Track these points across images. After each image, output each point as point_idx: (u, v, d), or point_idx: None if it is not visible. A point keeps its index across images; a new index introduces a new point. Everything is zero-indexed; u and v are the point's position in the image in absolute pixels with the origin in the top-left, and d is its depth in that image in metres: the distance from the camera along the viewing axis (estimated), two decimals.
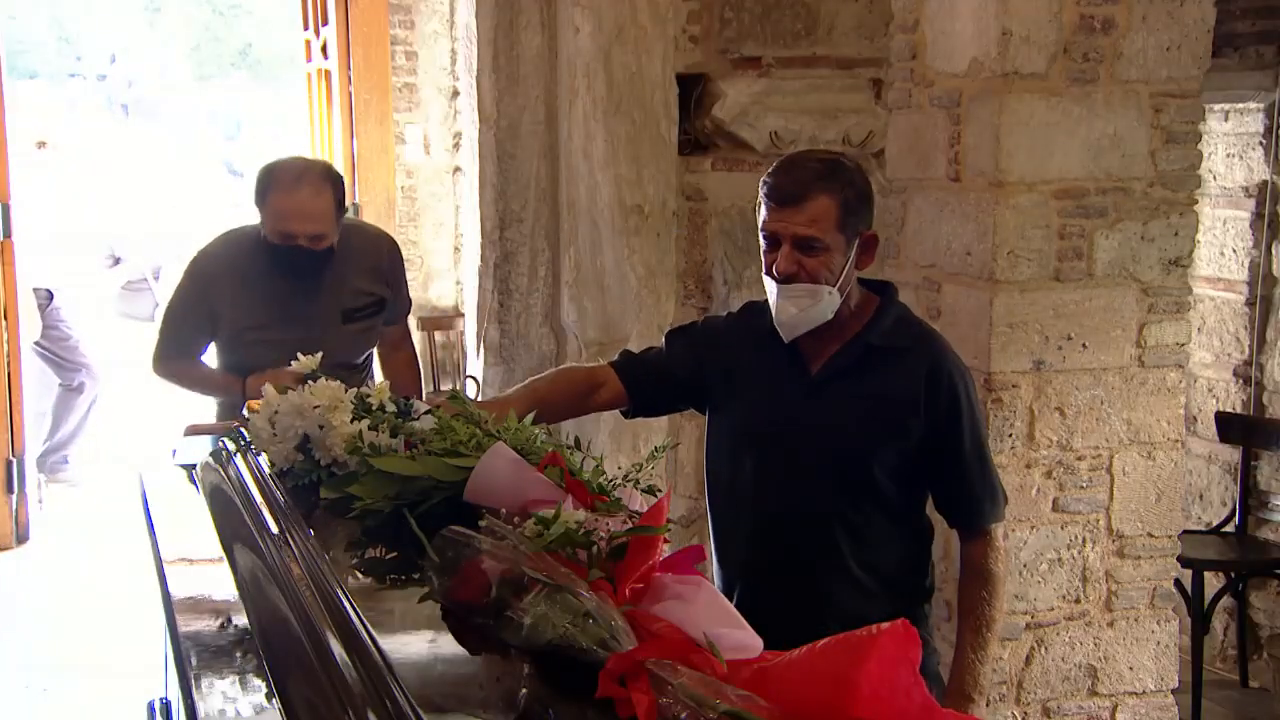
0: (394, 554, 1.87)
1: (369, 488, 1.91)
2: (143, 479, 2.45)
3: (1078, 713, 3.23)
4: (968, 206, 3.14)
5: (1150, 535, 3.22)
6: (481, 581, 1.47)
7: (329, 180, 3.19)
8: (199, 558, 2.03)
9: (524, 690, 1.40)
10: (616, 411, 2.52)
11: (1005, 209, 3.04)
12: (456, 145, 6.68)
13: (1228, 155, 4.47)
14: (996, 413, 3.06)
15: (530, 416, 2.08)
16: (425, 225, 6.81)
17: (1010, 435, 3.09)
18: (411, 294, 5.83)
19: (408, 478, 1.88)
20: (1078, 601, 3.20)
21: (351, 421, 2.06)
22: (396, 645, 1.54)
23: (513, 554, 1.48)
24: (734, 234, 4.51)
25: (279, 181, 3.15)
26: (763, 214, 2.22)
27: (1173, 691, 3.30)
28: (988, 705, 3.07)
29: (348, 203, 6.09)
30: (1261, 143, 4.37)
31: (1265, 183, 4.37)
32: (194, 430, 2.73)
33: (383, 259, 3.44)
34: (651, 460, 1.90)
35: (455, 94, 6.66)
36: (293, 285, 3.17)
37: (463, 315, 6.51)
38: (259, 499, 2.06)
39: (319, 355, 2.39)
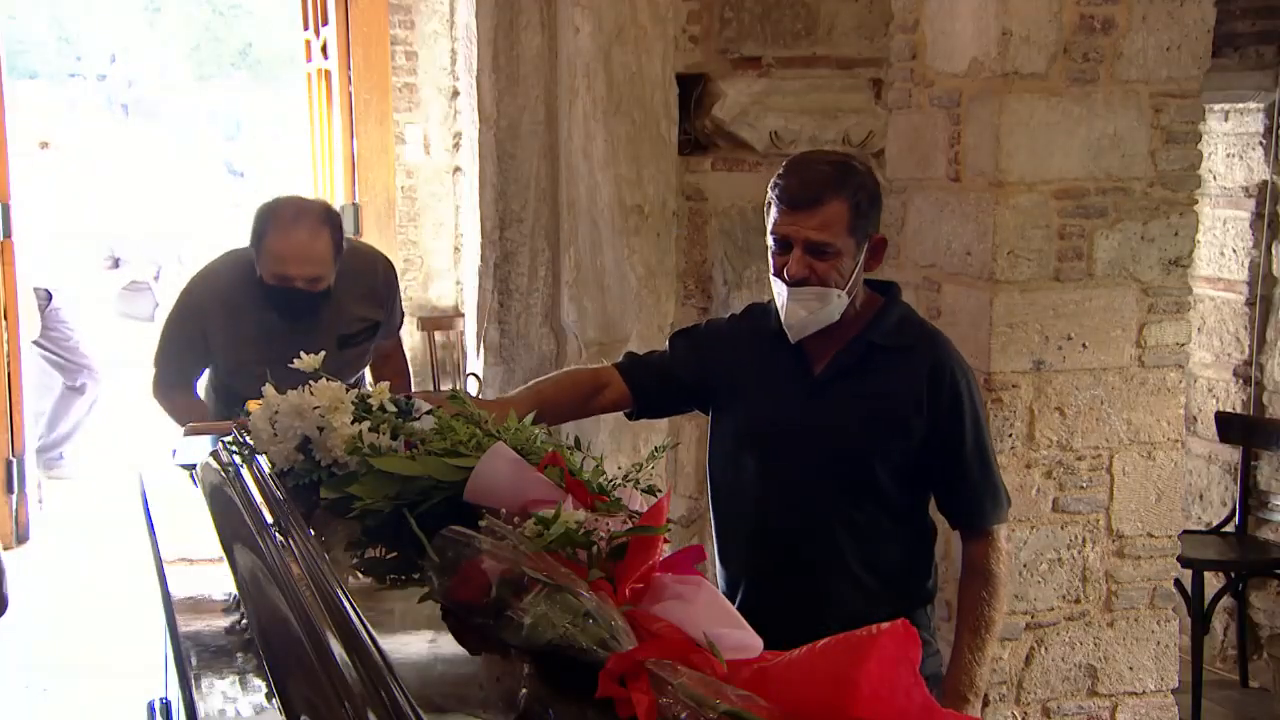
0: (394, 554, 1.87)
1: (369, 488, 1.90)
2: (143, 479, 2.45)
3: (1078, 713, 3.23)
4: (968, 206, 3.14)
5: (1150, 535, 3.22)
6: (481, 581, 1.47)
7: (327, 222, 3.12)
8: (199, 558, 2.03)
9: (524, 690, 1.40)
10: (617, 412, 2.52)
11: (1005, 209, 3.04)
12: (456, 145, 6.68)
13: (1228, 155, 4.47)
14: (996, 413, 3.06)
15: (530, 416, 2.08)
16: (425, 225, 6.81)
17: (1010, 435, 3.09)
18: (411, 294, 5.79)
19: (408, 478, 1.88)
20: (1078, 601, 3.20)
21: (351, 423, 2.06)
22: (396, 645, 1.54)
23: (513, 554, 1.48)
24: (734, 234, 4.51)
25: (276, 223, 3.07)
26: (773, 216, 2.22)
27: (1173, 691, 3.30)
28: (987, 705, 3.08)
29: (348, 202, 6.13)
30: (1261, 143, 4.37)
31: (1265, 183, 4.37)
32: (194, 430, 2.72)
33: (378, 283, 3.39)
34: (651, 460, 1.90)
35: (455, 94, 6.66)
36: (288, 320, 3.11)
37: (463, 315, 6.51)
38: (259, 499, 2.06)
39: (321, 354, 2.38)
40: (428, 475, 1.86)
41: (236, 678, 1.62)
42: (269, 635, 1.63)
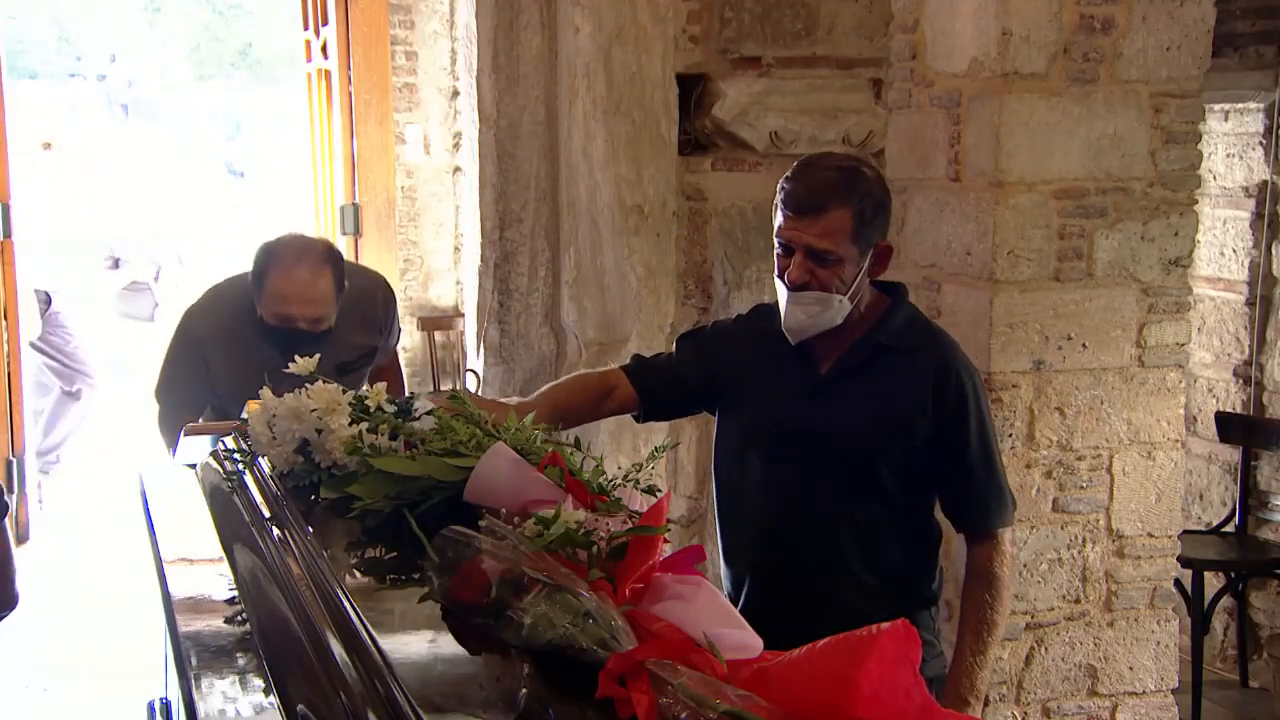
0: (394, 554, 1.87)
1: (369, 488, 1.90)
2: (143, 479, 2.45)
3: (1078, 713, 3.23)
4: (968, 206, 3.14)
5: (1150, 535, 3.22)
6: (481, 581, 1.47)
7: (329, 261, 3.07)
8: (199, 558, 2.03)
9: (524, 690, 1.40)
10: (625, 414, 2.52)
11: (1005, 209, 3.04)
12: (456, 145, 6.67)
13: (1228, 155, 4.47)
14: (996, 413, 3.06)
15: (530, 417, 2.08)
16: (425, 225, 6.80)
17: (1010, 435, 3.09)
18: (411, 294, 5.78)
19: (408, 478, 1.88)
20: (1078, 601, 3.20)
21: (349, 424, 2.06)
22: (396, 645, 1.54)
23: (513, 554, 1.48)
24: (734, 234, 4.51)
25: (278, 263, 3.01)
26: (778, 219, 2.22)
27: (1173, 691, 3.30)
28: (987, 705, 3.08)
29: (348, 202, 6.13)
30: (1261, 143, 4.37)
31: (1265, 183, 4.37)
32: (194, 430, 2.72)
33: (376, 312, 3.35)
34: (651, 460, 1.90)
35: (455, 94, 6.66)
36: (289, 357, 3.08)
37: (463, 315, 6.50)
38: (259, 499, 2.06)
39: (317, 357, 2.37)
40: (428, 475, 1.86)
41: (236, 678, 1.62)
42: (269, 635, 1.63)
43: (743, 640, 1.44)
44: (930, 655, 2.34)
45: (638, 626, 1.41)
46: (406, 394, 3.63)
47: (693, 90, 4.50)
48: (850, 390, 2.27)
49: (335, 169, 6.23)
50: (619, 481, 1.83)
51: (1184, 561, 3.51)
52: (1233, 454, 4.44)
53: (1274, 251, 4.38)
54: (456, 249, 6.81)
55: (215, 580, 1.89)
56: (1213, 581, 4.24)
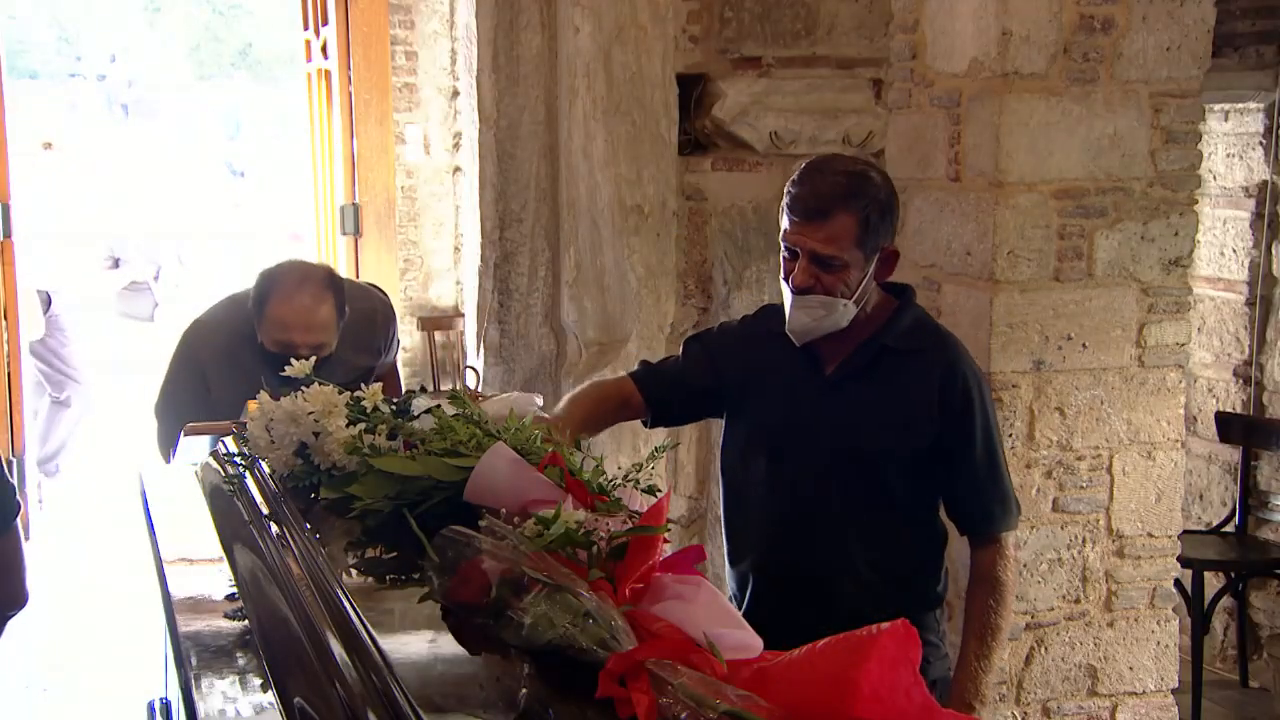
0: (394, 554, 1.87)
1: (369, 488, 1.90)
2: (143, 479, 2.45)
3: (1078, 713, 3.23)
4: (968, 206, 3.14)
5: (1150, 535, 3.22)
6: (481, 581, 1.47)
7: (331, 288, 3.05)
8: (199, 558, 2.03)
9: (524, 690, 1.40)
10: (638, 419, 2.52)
11: (1005, 209, 3.04)
12: (456, 145, 6.68)
13: (1228, 155, 4.48)
14: (996, 413, 3.05)
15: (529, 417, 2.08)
16: (425, 225, 6.81)
17: (1010, 435, 3.09)
18: (411, 294, 5.76)
19: (408, 478, 1.88)
20: (1078, 601, 3.20)
21: (347, 425, 2.06)
22: (396, 645, 1.54)
23: (513, 554, 1.48)
24: (734, 234, 4.51)
25: (279, 290, 2.99)
26: (784, 223, 2.22)
27: (1173, 691, 3.30)
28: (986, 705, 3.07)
29: (348, 202, 6.13)
30: (1261, 143, 4.37)
31: (1265, 183, 4.37)
32: (194, 430, 2.72)
33: (377, 336, 3.34)
34: (651, 460, 1.90)
35: (455, 94, 6.66)
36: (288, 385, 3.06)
37: (463, 315, 6.51)
38: (259, 499, 2.06)
39: (313, 359, 2.36)
40: (428, 475, 1.86)
41: (236, 678, 1.62)
42: (269, 635, 1.63)
43: (743, 640, 1.44)
44: (935, 657, 2.34)
45: (638, 626, 1.41)
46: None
47: (693, 90, 4.50)
48: (856, 391, 2.27)
49: (335, 169, 6.23)
50: (619, 481, 1.83)
51: (1184, 561, 3.51)
52: (1233, 454, 4.44)
53: (1274, 251, 4.38)
54: (456, 249, 6.81)
55: (215, 580, 1.89)
56: (1213, 581, 4.24)
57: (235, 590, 1.81)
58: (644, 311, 4.45)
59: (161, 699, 2.10)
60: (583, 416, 2.33)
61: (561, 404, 2.43)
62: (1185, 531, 3.48)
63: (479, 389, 4.71)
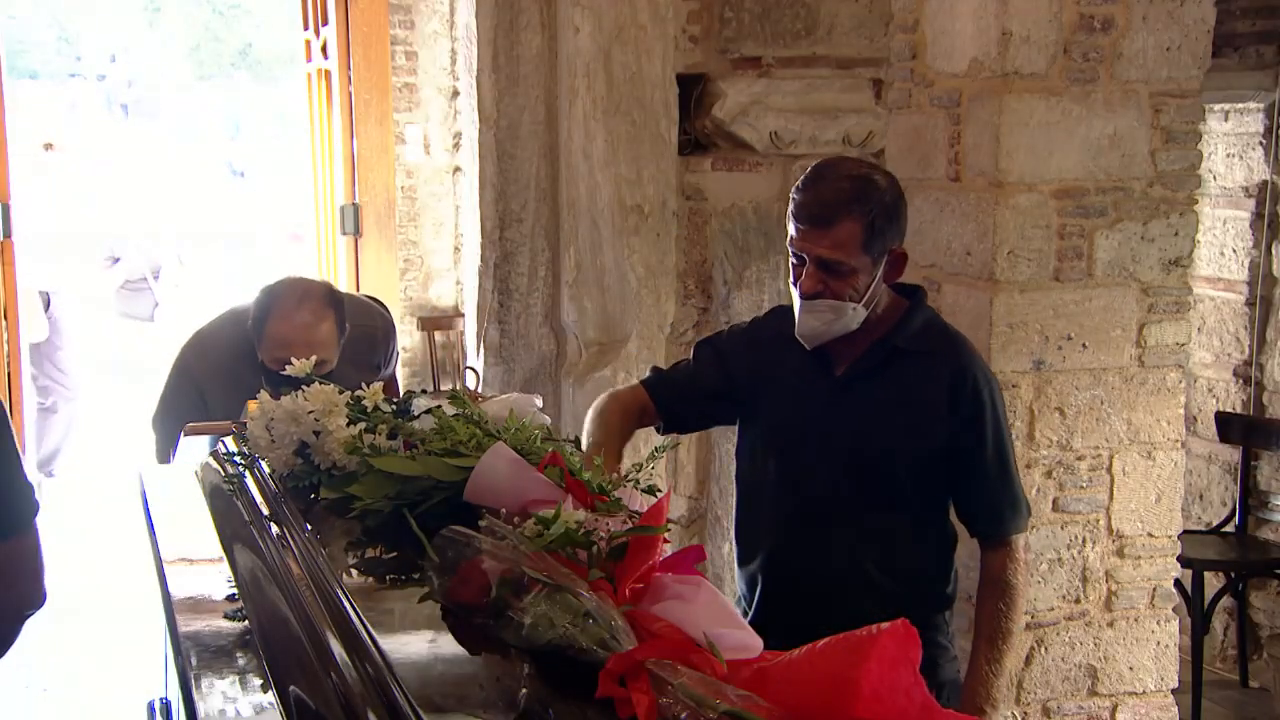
0: (394, 554, 1.87)
1: (369, 488, 1.91)
2: (143, 479, 2.45)
3: (1078, 713, 3.23)
4: (968, 206, 3.14)
5: (1150, 535, 3.22)
6: (481, 581, 1.47)
7: (331, 305, 3.04)
8: (199, 558, 2.03)
9: (524, 690, 1.40)
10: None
11: (1005, 209, 3.04)
12: (456, 145, 6.67)
13: (1228, 155, 4.47)
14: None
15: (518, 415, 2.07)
16: (425, 225, 6.80)
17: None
18: (411, 294, 5.76)
19: (408, 478, 1.88)
20: (1078, 601, 3.20)
21: (347, 426, 2.06)
22: (396, 645, 1.54)
23: (513, 554, 1.48)
24: (734, 234, 4.51)
25: (279, 308, 2.98)
26: (790, 229, 2.22)
27: (1173, 691, 3.30)
28: None
29: (348, 202, 6.13)
30: (1261, 143, 4.37)
31: (1265, 183, 4.37)
32: (194, 430, 2.72)
33: (377, 353, 3.33)
34: (651, 460, 1.90)
35: (455, 94, 6.66)
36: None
37: (463, 315, 6.50)
38: (259, 499, 2.06)
39: (313, 359, 2.36)
40: (428, 475, 1.86)
41: (236, 678, 1.61)
42: (269, 635, 1.63)
43: (743, 640, 1.44)
44: (944, 659, 2.33)
45: (638, 626, 1.41)
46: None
47: (693, 90, 4.50)
48: (866, 393, 2.27)
49: (335, 169, 6.23)
50: (619, 481, 1.83)
51: (1184, 561, 3.51)
52: (1233, 454, 4.44)
53: (1274, 251, 4.38)
54: (456, 249, 6.81)
55: (215, 580, 1.89)
56: (1213, 581, 4.24)
57: (235, 590, 1.81)
58: (644, 311, 4.46)
59: (161, 699, 2.10)
60: (619, 433, 2.34)
61: (588, 422, 2.40)
62: (1185, 531, 3.48)
63: (479, 389, 4.71)
